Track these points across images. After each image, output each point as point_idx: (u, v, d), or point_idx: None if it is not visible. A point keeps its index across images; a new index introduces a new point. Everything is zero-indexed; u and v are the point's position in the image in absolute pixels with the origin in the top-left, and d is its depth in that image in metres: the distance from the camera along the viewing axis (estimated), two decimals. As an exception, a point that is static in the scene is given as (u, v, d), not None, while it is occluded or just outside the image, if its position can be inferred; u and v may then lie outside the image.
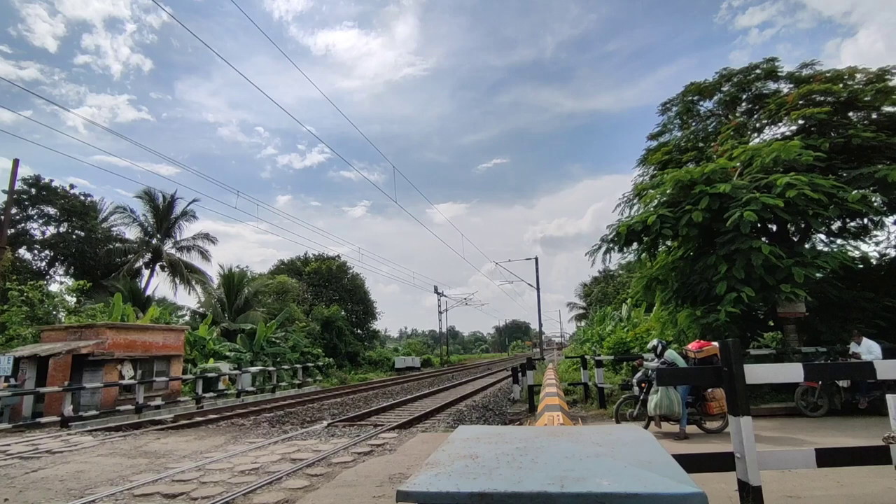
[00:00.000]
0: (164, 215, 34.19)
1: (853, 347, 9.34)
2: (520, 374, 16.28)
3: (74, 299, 23.87)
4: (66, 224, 30.55)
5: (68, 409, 13.13)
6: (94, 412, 14.16)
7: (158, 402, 16.25)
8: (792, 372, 3.99)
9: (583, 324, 49.18)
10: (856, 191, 10.02)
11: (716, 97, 14.79)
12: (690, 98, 15.17)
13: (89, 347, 15.34)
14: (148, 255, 33.49)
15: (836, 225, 12.14)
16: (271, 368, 23.89)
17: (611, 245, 12.07)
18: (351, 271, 48.99)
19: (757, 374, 3.88)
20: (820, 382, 9.08)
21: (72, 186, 31.67)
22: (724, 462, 3.74)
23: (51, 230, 30.56)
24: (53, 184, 30.61)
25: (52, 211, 30.24)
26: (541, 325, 41.77)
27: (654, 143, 15.86)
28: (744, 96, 14.25)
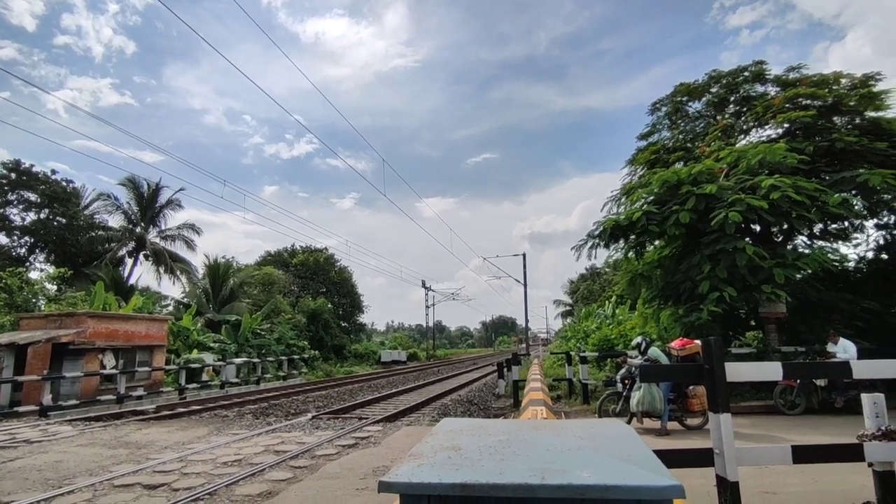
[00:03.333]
0: (149, 204, 33.70)
1: (830, 347, 9.54)
2: (505, 370, 16.36)
3: (55, 287, 23.47)
4: (46, 210, 29.96)
5: (47, 399, 12.93)
6: (73, 402, 13.97)
7: (140, 392, 16.07)
8: (771, 370, 4.06)
9: (569, 320, 49.59)
10: (837, 194, 10.20)
11: (704, 98, 14.93)
12: (680, 99, 15.29)
13: (69, 336, 15.10)
14: (131, 244, 32.99)
15: (817, 227, 12.36)
16: (256, 360, 23.75)
17: (597, 240, 12.14)
18: (338, 264, 48.78)
19: (737, 372, 3.94)
20: (798, 381, 9.26)
21: (53, 172, 31.06)
22: (703, 458, 3.81)
23: (31, 216, 29.95)
24: (34, 169, 29.99)
25: (32, 196, 29.62)
26: (527, 321, 42.05)
27: (643, 143, 15.98)
28: (732, 98, 14.40)
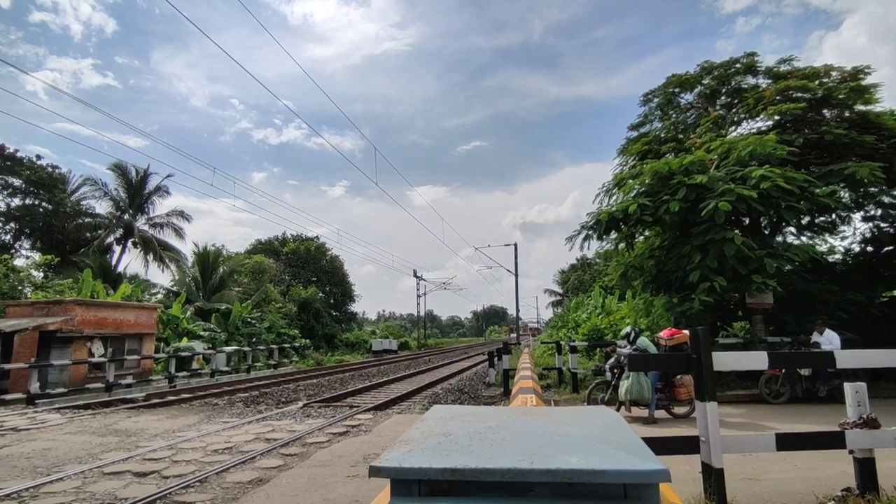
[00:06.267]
0: (137, 190, 33.24)
1: (815, 338, 9.69)
2: (496, 359, 16.48)
3: (41, 274, 23.18)
4: (32, 196, 29.46)
5: (35, 387, 12.83)
6: (62, 390, 13.87)
7: (129, 380, 15.98)
8: (757, 360, 4.13)
9: (559, 310, 49.89)
10: (826, 186, 10.31)
11: (696, 89, 14.94)
12: (671, 90, 15.29)
13: (57, 324, 14.95)
14: (119, 231, 32.58)
15: (805, 219, 12.49)
16: (246, 349, 23.67)
17: (590, 232, 12.19)
18: (329, 253, 48.60)
19: (724, 361, 4.00)
20: (783, 371, 9.42)
21: (38, 157, 30.54)
22: (689, 445, 3.87)
23: (16, 202, 29.44)
24: (18, 154, 29.43)
25: (17, 182, 29.08)
26: (518, 310, 42.24)
27: (634, 134, 15.99)
28: (723, 90, 14.43)
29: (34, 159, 30.17)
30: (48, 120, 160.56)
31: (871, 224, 13.12)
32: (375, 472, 1.39)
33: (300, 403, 12.03)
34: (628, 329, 9.11)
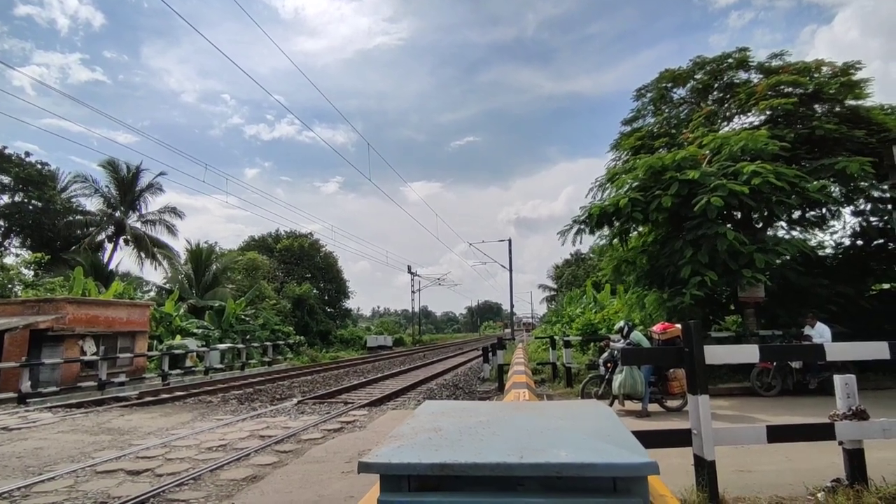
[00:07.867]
0: (129, 187, 32.98)
1: (807, 331, 9.77)
2: (490, 354, 16.50)
3: (32, 272, 22.97)
4: (21, 193, 29.16)
5: (26, 385, 12.73)
6: (53, 388, 13.78)
7: (122, 378, 15.90)
8: (748, 353, 4.16)
9: (553, 305, 50.05)
10: (817, 181, 10.37)
11: (689, 85, 14.95)
12: (664, 85, 15.29)
13: (48, 322, 14.83)
14: (111, 229, 32.33)
15: (796, 214, 12.57)
16: (240, 346, 23.59)
17: (582, 226, 12.21)
18: (323, 249, 48.49)
19: (716, 354, 4.02)
20: (774, 363, 9.50)
21: (27, 154, 30.24)
22: (682, 438, 3.89)
23: (5, 199, 29.15)
24: (6, 151, 29.09)
25: (5, 179, 28.78)
26: (512, 306, 42.39)
27: (628, 129, 16.01)
28: (716, 85, 14.46)
29: (23, 156, 29.88)
30: (36, 116, 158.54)
31: (860, 218, 13.23)
32: (365, 467, 1.38)
33: (294, 400, 12.01)
34: (622, 323, 9.16)
